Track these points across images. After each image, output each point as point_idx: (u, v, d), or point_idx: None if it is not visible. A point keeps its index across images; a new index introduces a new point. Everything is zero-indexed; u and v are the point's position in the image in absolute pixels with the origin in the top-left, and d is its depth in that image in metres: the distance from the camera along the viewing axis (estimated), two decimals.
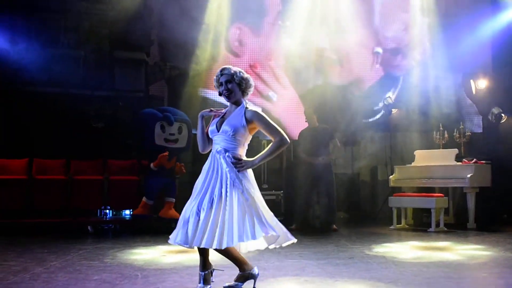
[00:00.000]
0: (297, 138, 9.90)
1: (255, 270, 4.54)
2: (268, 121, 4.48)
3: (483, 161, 9.65)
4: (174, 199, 9.33)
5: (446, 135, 10.57)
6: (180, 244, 4.33)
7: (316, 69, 12.52)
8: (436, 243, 7.48)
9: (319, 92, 12.10)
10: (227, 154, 4.38)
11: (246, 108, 4.50)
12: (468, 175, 9.22)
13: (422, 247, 7.09)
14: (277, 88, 12.49)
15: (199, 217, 4.29)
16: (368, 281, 4.75)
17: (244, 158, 4.48)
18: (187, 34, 11.54)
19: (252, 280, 4.52)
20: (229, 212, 4.22)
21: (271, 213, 4.45)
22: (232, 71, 4.47)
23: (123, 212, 10.30)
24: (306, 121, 9.65)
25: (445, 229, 9.04)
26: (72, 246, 7.10)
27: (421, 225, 9.78)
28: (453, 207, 10.28)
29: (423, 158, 10.10)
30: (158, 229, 8.87)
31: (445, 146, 10.41)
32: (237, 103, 4.53)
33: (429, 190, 9.76)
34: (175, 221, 8.73)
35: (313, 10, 12.49)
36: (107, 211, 9.88)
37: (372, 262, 5.78)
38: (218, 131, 4.47)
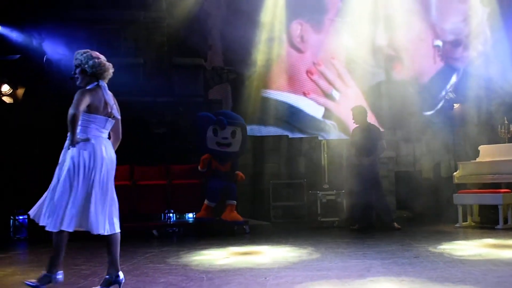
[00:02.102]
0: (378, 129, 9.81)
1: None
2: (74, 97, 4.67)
3: None
4: (235, 201, 9.36)
5: (511, 129, 10.24)
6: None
7: (377, 66, 12.37)
8: (505, 240, 7.26)
9: (382, 89, 11.96)
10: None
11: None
12: None
13: (490, 244, 6.90)
14: (340, 87, 12.41)
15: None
16: (435, 280, 4.66)
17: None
18: (244, 35, 11.64)
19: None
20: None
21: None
22: (80, 56, 4.73)
23: (186, 215, 10.45)
24: (353, 121, 9.50)
25: None
26: (139, 250, 7.26)
27: (488, 222, 9.50)
28: None
29: (488, 153, 9.82)
30: (221, 231, 8.97)
31: (510, 140, 10.10)
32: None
33: (495, 186, 9.47)
34: (237, 223, 8.88)
35: (371, 6, 12.37)
36: (171, 214, 10.03)
37: (438, 261, 5.67)
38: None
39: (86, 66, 4.66)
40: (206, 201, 9.30)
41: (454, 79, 12.53)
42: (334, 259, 5.99)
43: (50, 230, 4.50)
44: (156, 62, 12.12)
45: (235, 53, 12.14)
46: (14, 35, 11.20)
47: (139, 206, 9.51)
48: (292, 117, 12.18)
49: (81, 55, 4.68)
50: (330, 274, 5.02)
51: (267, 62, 12.09)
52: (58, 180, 4.51)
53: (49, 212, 4.50)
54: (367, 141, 9.17)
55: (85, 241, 8.18)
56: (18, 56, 11.07)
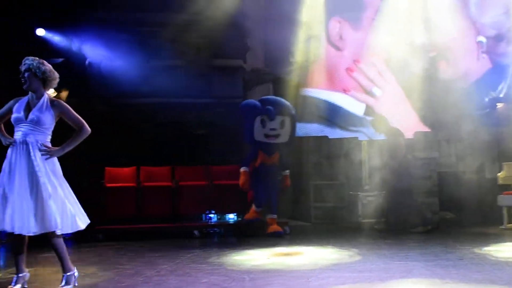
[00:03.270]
0: (402, 133, 9.71)
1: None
2: (71, 110, 4.86)
3: None
4: (275, 216, 9.11)
5: None
6: None
7: (418, 64, 12.20)
8: None
9: (423, 88, 11.79)
10: (39, 142, 4.64)
11: (51, 98, 4.78)
12: None
13: None
14: (380, 84, 12.31)
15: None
16: (481, 283, 4.58)
17: (50, 145, 4.73)
18: (283, 35, 11.63)
19: None
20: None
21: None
22: (30, 61, 4.71)
23: (227, 216, 10.48)
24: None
25: None
26: (181, 250, 7.33)
27: None
28: None
29: None
30: (262, 232, 8.97)
31: None
32: (38, 93, 4.74)
33: None
34: (276, 234, 8.70)
35: (410, 4, 12.21)
36: (212, 215, 10.08)
37: (483, 263, 5.57)
38: (26, 119, 4.66)
39: (37, 70, 4.73)
40: (253, 206, 9.18)
41: (503, 78, 12.20)
42: (376, 261, 5.94)
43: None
44: (196, 64, 12.20)
45: (275, 53, 12.14)
46: (57, 39, 11.44)
47: (181, 207, 9.60)
48: (332, 114, 12.06)
49: (31, 60, 4.77)
50: (372, 276, 4.98)
51: (306, 61, 12.05)
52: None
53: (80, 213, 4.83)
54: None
55: (126, 242, 8.39)
56: (61, 59, 11.31)
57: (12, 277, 4.78)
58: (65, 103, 4.90)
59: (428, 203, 9.24)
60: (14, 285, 4.65)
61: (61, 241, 4.70)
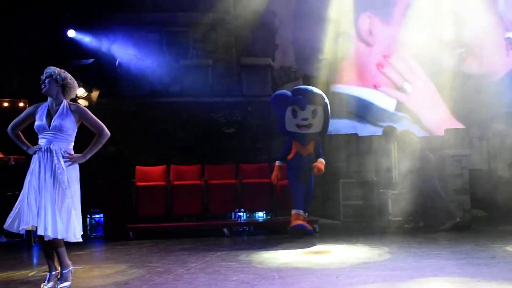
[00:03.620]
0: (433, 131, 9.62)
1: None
2: (91, 114, 4.92)
3: None
4: (306, 214, 8.74)
5: None
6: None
7: (448, 60, 12.06)
8: None
9: (454, 84, 11.66)
10: (62, 149, 4.75)
11: (70, 104, 4.85)
12: None
13: None
14: (411, 79, 12.21)
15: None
16: None
17: (73, 152, 4.85)
18: (313, 33, 11.63)
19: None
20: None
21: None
22: (52, 70, 4.85)
23: (256, 214, 10.51)
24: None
25: None
26: (210, 248, 7.38)
27: None
28: None
29: None
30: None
31: None
32: (57, 100, 4.84)
33: None
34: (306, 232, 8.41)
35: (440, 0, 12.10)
36: (241, 213, 10.12)
37: None
38: (49, 127, 4.75)
39: (58, 77, 4.85)
40: (293, 211, 8.52)
41: None
42: (407, 259, 5.90)
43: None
44: (225, 63, 12.26)
45: (304, 50, 12.15)
46: (87, 40, 11.60)
47: (210, 205, 9.65)
48: (363, 110, 12.00)
49: (53, 69, 4.90)
50: (403, 274, 4.94)
51: (336, 57, 12.01)
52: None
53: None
54: None
55: (156, 240, 8.48)
56: (92, 60, 11.47)
57: (45, 275, 4.88)
58: (83, 107, 4.97)
59: (459, 201, 9.12)
60: (47, 283, 4.75)
61: (61, 241, 4.77)
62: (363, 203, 10.77)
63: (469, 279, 4.65)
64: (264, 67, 12.13)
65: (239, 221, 9.96)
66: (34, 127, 4.86)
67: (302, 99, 8.61)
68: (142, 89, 11.46)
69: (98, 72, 11.62)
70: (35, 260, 7.18)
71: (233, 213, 10.22)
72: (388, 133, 9.67)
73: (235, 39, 12.34)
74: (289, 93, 8.81)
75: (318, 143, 8.86)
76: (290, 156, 8.72)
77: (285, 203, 9.64)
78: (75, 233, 4.71)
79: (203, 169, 10.22)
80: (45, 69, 4.91)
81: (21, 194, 4.77)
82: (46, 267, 4.94)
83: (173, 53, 12.01)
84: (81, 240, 4.80)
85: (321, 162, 8.66)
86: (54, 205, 4.64)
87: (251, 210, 10.32)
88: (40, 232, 4.61)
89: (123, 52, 11.59)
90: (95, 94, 11.07)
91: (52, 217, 4.61)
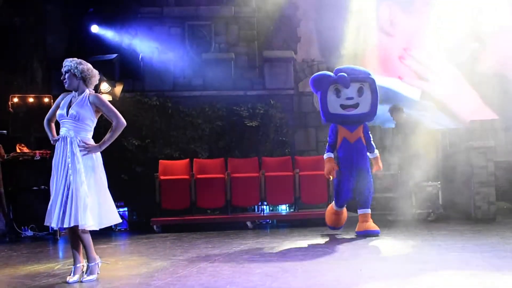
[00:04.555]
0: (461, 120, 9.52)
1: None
2: (108, 104, 4.95)
3: None
4: (368, 209, 7.67)
5: None
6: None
7: (469, 50, 11.91)
8: None
9: (478, 72, 11.52)
10: (78, 138, 4.81)
11: (90, 94, 4.91)
12: None
13: None
14: (435, 68, 12.11)
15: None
16: None
17: (91, 142, 4.89)
18: (334, 25, 11.58)
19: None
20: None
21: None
22: (69, 63, 4.91)
23: (279, 207, 10.51)
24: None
25: None
26: (234, 241, 7.41)
27: None
28: None
29: None
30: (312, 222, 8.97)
31: None
32: (79, 91, 4.93)
33: None
34: (370, 232, 7.49)
35: None
36: (264, 207, 10.12)
37: None
38: (67, 116, 4.83)
39: (75, 71, 4.91)
40: (333, 204, 7.94)
41: None
42: (431, 252, 5.86)
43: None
44: (247, 56, 12.27)
45: (326, 42, 12.11)
46: (110, 34, 11.69)
47: (233, 199, 9.68)
48: (388, 100, 11.92)
49: (70, 61, 4.96)
50: (427, 267, 4.91)
51: (359, 48, 11.93)
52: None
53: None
54: None
55: (180, 233, 8.54)
56: (115, 55, 11.55)
57: (71, 268, 4.94)
58: (101, 97, 5.04)
59: (484, 193, 9.02)
60: (73, 276, 4.82)
61: (88, 233, 4.86)
62: (388, 195, 10.69)
63: (495, 271, 4.60)
64: (286, 60, 12.09)
65: (262, 215, 9.97)
66: (56, 117, 5.00)
67: (344, 76, 7.56)
68: (164, 83, 11.51)
69: (121, 67, 11.70)
70: (60, 254, 7.28)
71: (256, 207, 10.23)
72: (392, 112, 9.58)
73: (257, 32, 12.33)
74: (329, 73, 7.88)
75: (367, 128, 7.81)
76: (337, 146, 7.74)
77: (308, 196, 9.65)
78: (87, 221, 4.74)
79: (226, 162, 10.25)
80: (63, 63, 4.98)
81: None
82: (71, 260, 5.00)
83: (195, 46, 12.05)
84: (96, 228, 4.87)
85: (377, 159, 7.80)
86: (63, 193, 4.73)
87: (274, 203, 10.31)
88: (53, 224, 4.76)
89: (146, 46, 11.65)
90: (118, 89, 11.15)
91: (60, 206, 4.71)
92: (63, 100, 4.99)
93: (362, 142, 7.64)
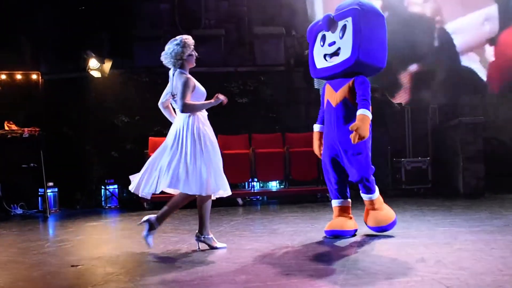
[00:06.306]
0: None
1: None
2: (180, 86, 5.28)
3: None
4: (373, 195, 6.09)
5: None
6: None
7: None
8: None
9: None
10: None
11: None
12: None
13: None
14: None
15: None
16: None
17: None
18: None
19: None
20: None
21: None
22: (167, 55, 5.48)
23: (269, 184, 10.54)
24: None
25: None
26: (224, 218, 7.44)
27: None
28: None
29: None
30: (302, 199, 8.99)
31: None
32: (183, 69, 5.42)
33: None
34: (382, 228, 7.06)
35: None
36: (255, 183, 10.15)
37: None
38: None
39: (174, 60, 5.36)
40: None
41: None
42: (420, 227, 5.90)
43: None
44: (237, 32, 12.18)
45: (318, 18, 12.03)
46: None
47: (226, 175, 9.65)
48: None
49: (169, 55, 5.41)
50: (416, 242, 4.94)
51: None
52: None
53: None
54: None
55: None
56: (104, 32, 11.44)
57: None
58: (182, 76, 5.31)
59: (473, 169, 9.08)
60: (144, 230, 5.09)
61: (205, 204, 5.23)
62: (377, 171, 10.71)
63: (483, 246, 4.63)
64: (277, 36, 12.02)
65: (252, 191, 10.00)
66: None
67: (326, 16, 5.66)
68: (154, 59, 11.41)
69: (110, 43, 11.59)
70: (51, 231, 7.28)
71: (246, 183, 10.25)
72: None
73: (247, 8, 12.23)
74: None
75: (359, 80, 5.41)
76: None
77: (298, 173, 9.67)
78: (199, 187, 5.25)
79: (216, 139, 10.20)
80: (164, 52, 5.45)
81: None
82: (61, 238, 4.98)
83: (184, 23, 11.94)
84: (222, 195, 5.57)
85: (359, 119, 5.22)
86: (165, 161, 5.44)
87: (265, 180, 10.34)
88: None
89: (136, 23, 11.54)
90: (107, 65, 11.05)
91: (161, 171, 5.41)
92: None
93: (347, 106, 5.42)
